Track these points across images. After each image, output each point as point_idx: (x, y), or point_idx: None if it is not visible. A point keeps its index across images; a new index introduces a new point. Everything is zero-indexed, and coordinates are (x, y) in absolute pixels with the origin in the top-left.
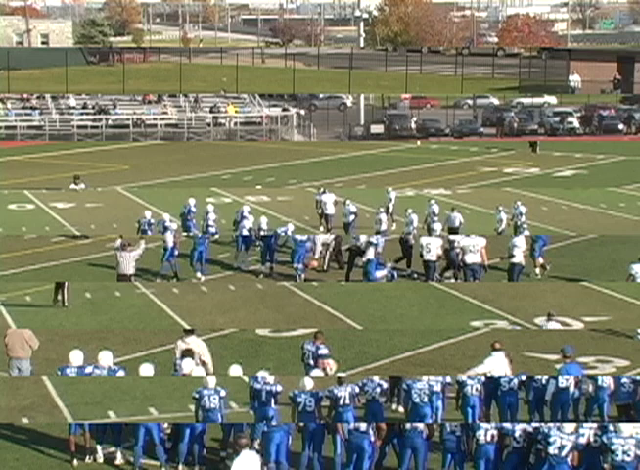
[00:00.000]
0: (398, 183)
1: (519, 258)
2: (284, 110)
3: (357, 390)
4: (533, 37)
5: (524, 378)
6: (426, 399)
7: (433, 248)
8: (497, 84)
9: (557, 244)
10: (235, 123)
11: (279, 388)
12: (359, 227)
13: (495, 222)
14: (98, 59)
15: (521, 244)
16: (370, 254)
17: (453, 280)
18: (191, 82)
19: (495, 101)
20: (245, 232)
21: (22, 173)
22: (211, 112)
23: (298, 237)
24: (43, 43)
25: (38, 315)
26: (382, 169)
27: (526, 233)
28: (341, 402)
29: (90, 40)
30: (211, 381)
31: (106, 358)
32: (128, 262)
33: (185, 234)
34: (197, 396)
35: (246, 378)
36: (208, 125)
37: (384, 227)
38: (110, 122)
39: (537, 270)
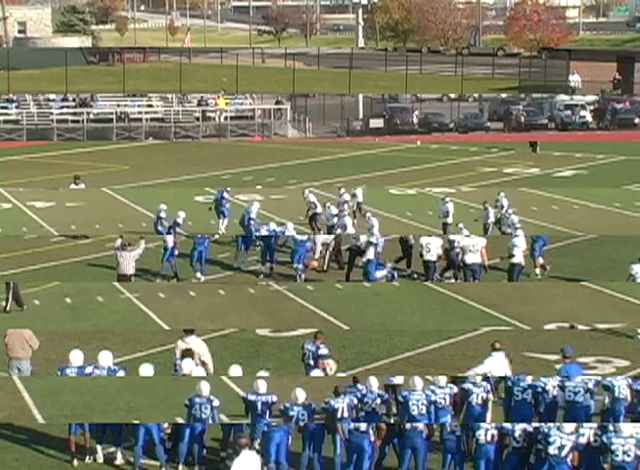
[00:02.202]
0: (398, 183)
1: (519, 258)
2: (277, 103)
3: (355, 401)
4: (543, 25)
5: (539, 390)
6: (424, 411)
7: (433, 248)
8: (497, 84)
9: (557, 244)
10: (225, 117)
11: (274, 398)
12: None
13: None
14: (98, 59)
15: (521, 244)
16: (370, 254)
17: (453, 280)
18: (191, 82)
19: (502, 93)
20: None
21: (22, 173)
22: (199, 105)
23: (298, 237)
24: (20, 31)
25: (12, 322)
26: (382, 169)
27: (519, 233)
28: (338, 415)
29: (70, 28)
30: (205, 388)
31: (106, 358)
32: (128, 262)
33: (185, 234)
34: (188, 403)
35: (239, 391)
36: (197, 120)
37: (351, 230)
38: (91, 117)
39: (537, 270)
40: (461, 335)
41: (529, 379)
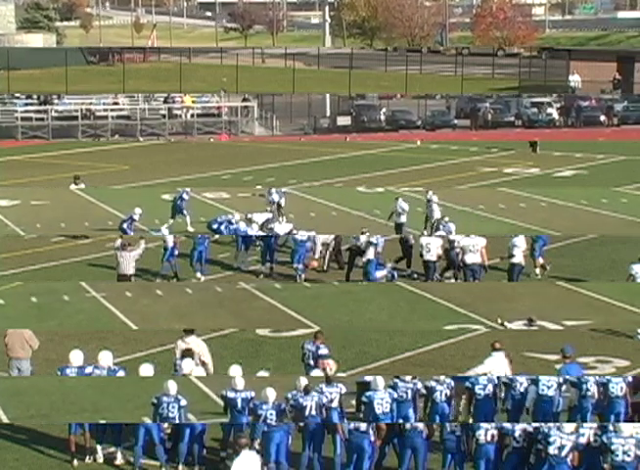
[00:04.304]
0: (398, 183)
1: (519, 257)
2: (244, 100)
3: (324, 400)
4: (509, 23)
5: (496, 383)
6: (388, 409)
7: (433, 248)
8: (497, 84)
9: (557, 244)
10: (192, 115)
11: (253, 394)
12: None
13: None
14: (98, 59)
15: (521, 244)
16: (370, 254)
17: (453, 280)
18: (191, 82)
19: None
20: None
21: (23, 173)
22: (165, 102)
23: (299, 237)
24: None
25: None
26: (382, 169)
27: (449, 229)
28: (306, 413)
29: (34, 25)
30: (172, 388)
31: (106, 358)
32: (128, 262)
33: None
34: (155, 402)
35: (207, 390)
36: (163, 117)
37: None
38: (56, 114)
39: (537, 270)
40: (461, 335)
41: (485, 376)
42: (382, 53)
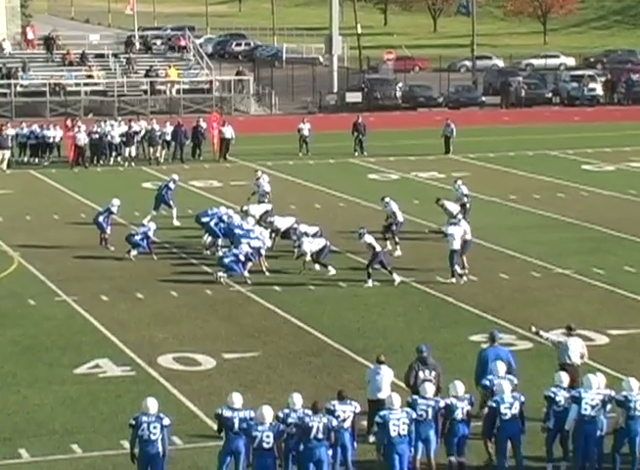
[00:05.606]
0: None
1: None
2: (238, 74)
3: (334, 423)
4: None
5: (522, 399)
6: (405, 431)
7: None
8: None
9: (583, 239)
10: (177, 91)
11: (252, 414)
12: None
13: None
14: None
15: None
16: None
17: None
18: None
19: (500, 63)
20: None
21: None
22: (147, 76)
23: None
24: None
25: None
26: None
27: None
28: (312, 435)
29: None
30: (152, 406)
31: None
32: None
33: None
34: (134, 423)
35: (195, 408)
36: (144, 93)
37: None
38: (20, 89)
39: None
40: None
41: (508, 391)
42: None
